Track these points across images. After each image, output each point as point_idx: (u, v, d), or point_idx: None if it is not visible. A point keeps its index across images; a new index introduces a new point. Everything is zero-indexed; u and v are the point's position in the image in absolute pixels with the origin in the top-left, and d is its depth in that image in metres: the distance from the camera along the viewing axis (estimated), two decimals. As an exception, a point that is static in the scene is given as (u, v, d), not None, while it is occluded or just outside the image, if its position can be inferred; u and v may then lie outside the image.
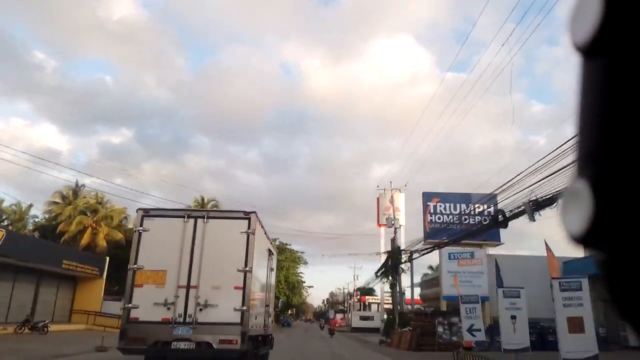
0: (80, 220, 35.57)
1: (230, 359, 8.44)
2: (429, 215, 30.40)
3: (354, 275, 72.10)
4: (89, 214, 36.84)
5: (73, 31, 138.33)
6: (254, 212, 9.34)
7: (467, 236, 23.97)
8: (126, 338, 8.42)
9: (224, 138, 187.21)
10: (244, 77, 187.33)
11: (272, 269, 12.07)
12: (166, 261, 8.82)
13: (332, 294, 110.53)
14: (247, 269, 8.80)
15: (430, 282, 38.19)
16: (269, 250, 11.86)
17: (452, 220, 29.51)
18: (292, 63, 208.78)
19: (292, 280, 54.02)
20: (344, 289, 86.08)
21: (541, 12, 31.37)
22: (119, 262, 35.76)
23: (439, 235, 26.63)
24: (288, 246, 56.15)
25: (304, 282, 64.49)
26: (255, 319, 9.65)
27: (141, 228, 9.05)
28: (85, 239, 35.20)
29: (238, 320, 8.46)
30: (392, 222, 31.76)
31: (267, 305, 11.51)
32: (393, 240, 30.24)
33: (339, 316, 72.38)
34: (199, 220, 9.18)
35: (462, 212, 29.48)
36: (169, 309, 8.53)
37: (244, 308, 8.52)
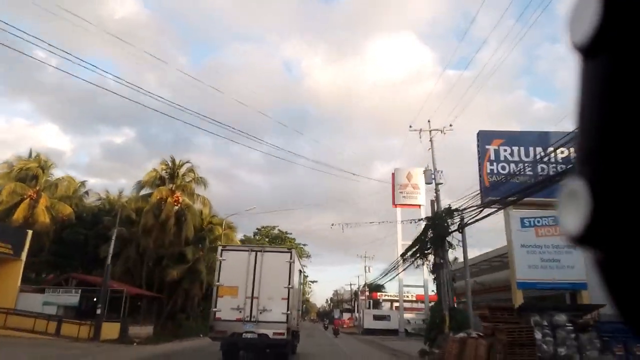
0: (14, 189, 27.83)
1: (279, 345, 13.04)
2: (487, 164, 21.35)
3: (365, 267, 60.61)
4: (28, 183, 28.80)
5: (73, 29, 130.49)
6: (293, 248, 14.15)
7: (543, 191, 15.44)
8: (214, 331, 12.86)
9: (225, 137, 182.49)
10: (246, 75, 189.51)
11: (301, 283, 16.90)
12: (238, 280, 13.14)
13: (336, 293, 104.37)
14: (290, 286, 13.24)
15: (489, 263, 29.32)
16: (300, 271, 16.50)
17: (521, 170, 20.13)
18: (293, 61, 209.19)
19: None
20: (351, 284, 76.28)
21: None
22: (66, 244, 29.52)
23: (501, 191, 18.43)
24: (288, 235, 56.62)
25: (307, 276, 60.58)
26: (294, 319, 14.13)
27: (221, 258, 13.37)
28: (19, 213, 27.52)
29: (284, 320, 12.92)
30: (432, 177, 22.19)
31: (298, 310, 16.26)
32: (434, 202, 21.55)
33: (346, 316, 65.86)
34: (259, 254, 13.59)
35: (539, 157, 20.34)
36: (240, 312, 12.91)
37: (288, 312, 13.00)
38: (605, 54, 0.50)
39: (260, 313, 13.03)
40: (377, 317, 43.63)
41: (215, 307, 12.98)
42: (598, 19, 0.49)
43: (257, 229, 58.28)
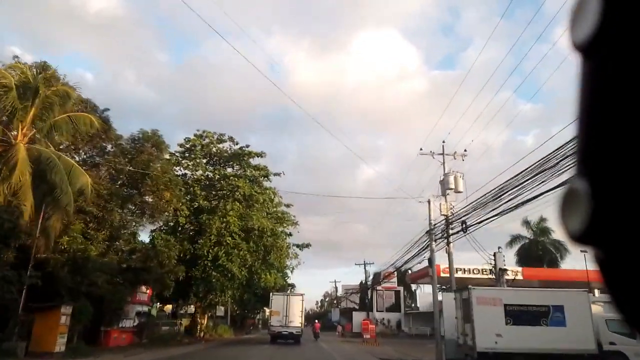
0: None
1: (297, 336, 29.94)
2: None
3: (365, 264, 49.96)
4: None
5: (50, 23, 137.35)
6: (303, 293, 37.16)
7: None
8: (269, 331, 31.84)
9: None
10: (228, 72, 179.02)
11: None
12: (279, 308, 30.69)
13: (327, 294, 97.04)
14: (301, 312, 35.35)
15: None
16: (302, 300, 32.59)
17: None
18: (276, 57, 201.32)
19: (264, 227, 28.33)
20: (335, 282, 64.94)
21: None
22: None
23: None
24: (256, 163, 31.25)
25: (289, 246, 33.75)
26: (302, 325, 32.06)
27: (272, 297, 31.38)
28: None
29: (300, 326, 30.31)
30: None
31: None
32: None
33: (358, 317, 47.32)
34: (288, 296, 32.72)
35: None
36: (281, 323, 33.25)
37: (300, 323, 33.10)
38: (606, 54, 0.50)
39: (289, 324, 31.34)
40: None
41: (271, 321, 34.77)
42: (598, 19, 0.50)
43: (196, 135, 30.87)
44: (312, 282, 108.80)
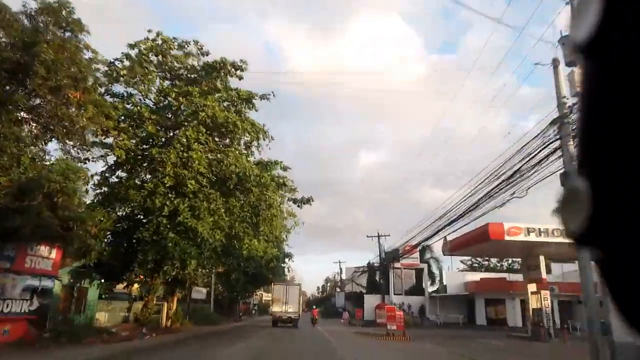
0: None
1: (295, 320, 30.98)
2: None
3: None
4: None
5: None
6: (300, 283, 32.61)
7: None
8: (272, 316, 32.08)
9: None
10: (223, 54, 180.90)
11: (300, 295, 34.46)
12: (279, 296, 31.95)
13: (328, 279, 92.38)
14: (299, 299, 32.49)
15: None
16: (299, 289, 33.97)
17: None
18: (274, 42, 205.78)
19: (246, 171, 19.62)
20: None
21: None
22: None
23: None
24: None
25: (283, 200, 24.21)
26: (299, 311, 32.41)
27: (273, 287, 33.77)
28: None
29: (297, 311, 31.82)
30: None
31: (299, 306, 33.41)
32: None
33: (371, 301, 40.97)
34: (287, 285, 33.34)
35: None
36: (281, 309, 31.25)
37: (299, 309, 31.96)
38: (606, 54, 0.50)
39: (288, 310, 31.40)
40: None
41: (272, 306, 32.93)
42: (598, 19, 0.49)
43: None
44: (312, 269, 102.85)
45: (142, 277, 19.54)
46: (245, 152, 21.65)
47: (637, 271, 0.50)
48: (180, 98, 18.57)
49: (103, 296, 22.99)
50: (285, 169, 23.05)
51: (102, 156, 18.27)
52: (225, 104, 20.70)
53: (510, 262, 50.36)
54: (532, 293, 22.58)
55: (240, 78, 20.57)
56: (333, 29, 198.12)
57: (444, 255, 26.26)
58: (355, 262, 62.86)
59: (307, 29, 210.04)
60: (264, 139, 21.07)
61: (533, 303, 22.62)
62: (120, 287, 23.72)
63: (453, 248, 25.16)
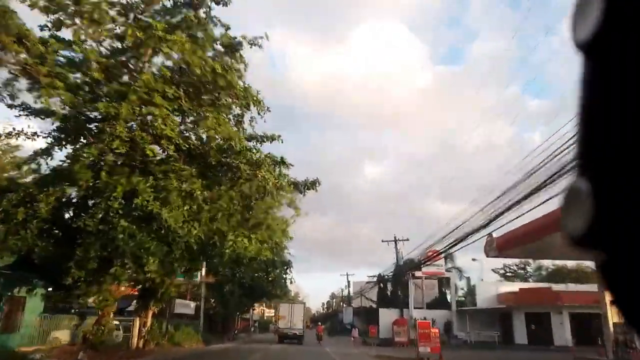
0: None
1: (300, 337, 32.20)
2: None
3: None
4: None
5: None
6: (304, 302, 32.67)
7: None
8: (277, 334, 34.11)
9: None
10: None
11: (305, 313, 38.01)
12: (285, 314, 33.48)
13: (334, 295, 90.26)
14: (304, 317, 34.21)
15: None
16: (304, 307, 38.44)
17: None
18: (278, 52, 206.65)
19: (233, 141, 14.44)
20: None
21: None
22: None
23: None
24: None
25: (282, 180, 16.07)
26: (304, 328, 33.82)
27: (280, 306, 36.70)
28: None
29: (302, 328, 33.38)
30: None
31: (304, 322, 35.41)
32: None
33: (389, 317, 35.43)
34: (292, 304, 36.27)
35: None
36: (287, 326, 32.77)
37: (303, 326, 33.31)
38: (608, 53, 0.50)
39: (293, 327, 32.57)
40: None
41: (277, 323, 35.33)
42: (600, 17, 0.49)
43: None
44: (317, 286, 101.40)
45: (81, 280, 13.99)
46: (236, 127, 16.46)
47: (638, 273, 0.49)
48: (138, 33, 13.32)
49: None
50: (285, 163, 16.39)
51: (26, 112, 13.14)
52: (210, 53, 15.24)
53: (550, 268, 44.83)
54: (613, 303, 16.81)
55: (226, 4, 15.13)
56: (336, 36, 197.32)
57: (487, 257, 20.14)
58: (361, 278, 56.00)
59: (311, 39, 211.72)
60: (258, 113, 15.92)
61: (614, 317, 17.16)
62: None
63: (501, 246, 19.11)
